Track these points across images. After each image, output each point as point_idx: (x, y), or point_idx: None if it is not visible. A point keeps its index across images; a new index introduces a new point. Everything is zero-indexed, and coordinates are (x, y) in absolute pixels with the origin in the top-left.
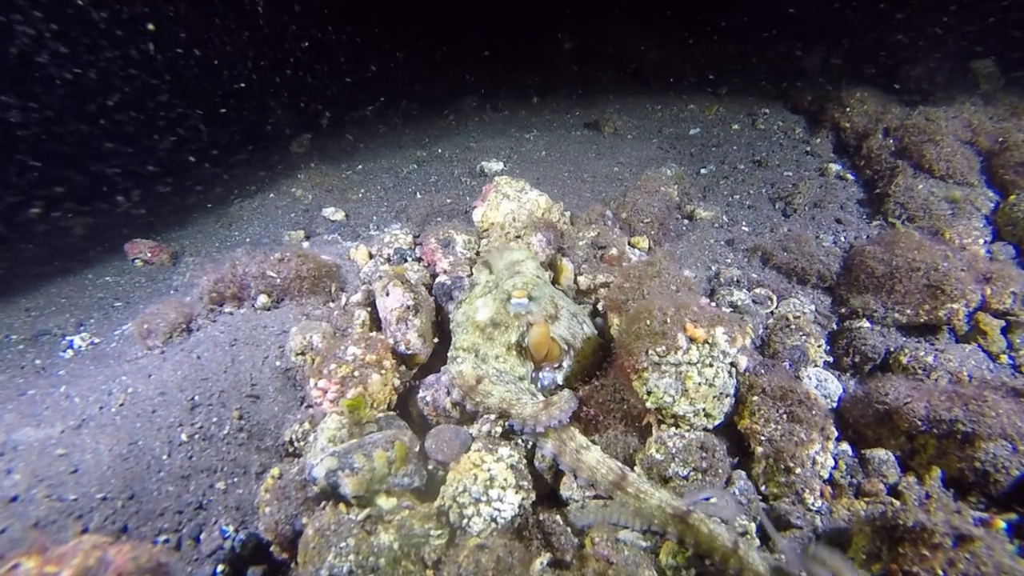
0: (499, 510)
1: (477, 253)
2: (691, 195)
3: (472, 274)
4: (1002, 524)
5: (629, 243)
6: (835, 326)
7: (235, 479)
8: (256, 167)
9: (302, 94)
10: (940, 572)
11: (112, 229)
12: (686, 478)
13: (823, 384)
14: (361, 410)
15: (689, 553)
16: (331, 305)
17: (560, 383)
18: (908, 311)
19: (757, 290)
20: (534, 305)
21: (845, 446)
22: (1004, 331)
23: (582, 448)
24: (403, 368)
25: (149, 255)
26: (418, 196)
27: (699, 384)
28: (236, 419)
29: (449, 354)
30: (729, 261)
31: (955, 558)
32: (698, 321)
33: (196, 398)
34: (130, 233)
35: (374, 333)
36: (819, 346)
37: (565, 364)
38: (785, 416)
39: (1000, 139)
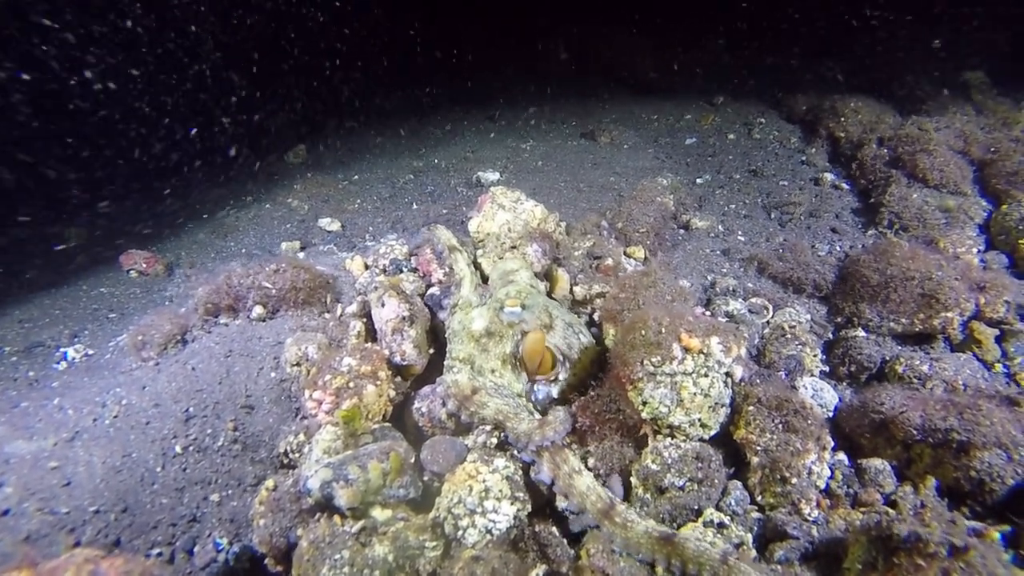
0: (494, 521)
1: (474, 262)
2: (687, 205)
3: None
4: (996, 535)
5: (625, 253)
6: (831, 335)
7: (229, 491)
8: (251, 177)
9: (298, 104)
10: None
11: (106, 240)
12: (682, 488)
13: (819, 394)
14: (356, 421)
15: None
16: (327, 316)
17: (555, 396)
18: (903, 320)
19: (753, 300)
20: (527, 314)
21: (841, 456)
22: (998, 340)
23: (574, 472)
24: (398, 379)
25: (144, 266)
26: (414, 206)
27: (694, 394)
28: (231, 431)
29: (445, 363)
30: (725, 271)
31: (950, 568)
32: (693, 331)
33: (191, 409)
34: (125, 244)
35: (369, 344)
36: (815, 355)
37: (561, 376)
38: (781, 426)
39: (992, 149)
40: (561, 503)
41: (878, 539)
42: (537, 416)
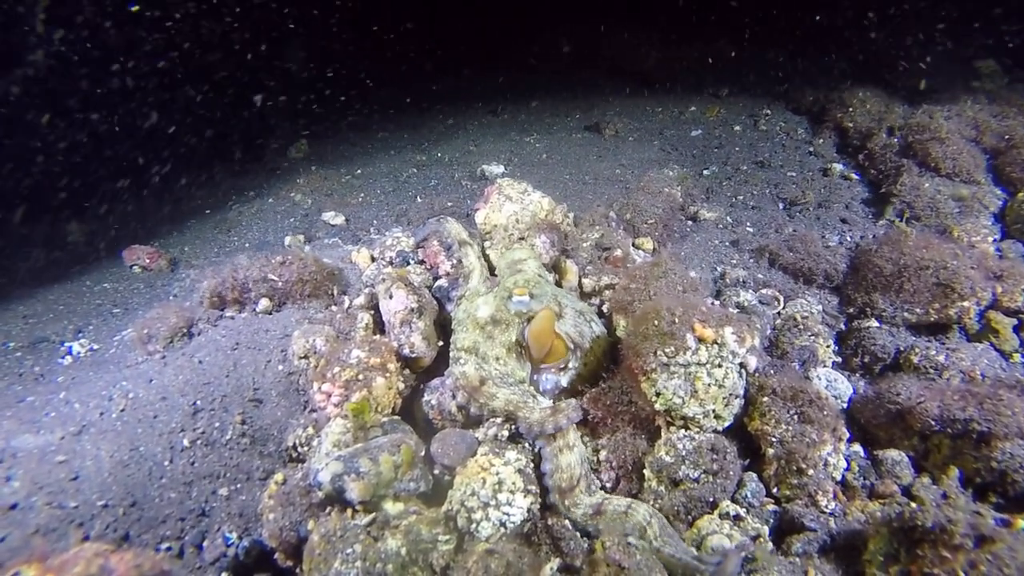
0: (508, 514)
1: (483, 254)
2: (694, 196)
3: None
4: (1022, 524)
5: (633, 244)
6: (843, 326)
7: (238, 485)
8: (254, 172)
9: (300, 98)
10: (961, 574)
11: (110, 235)
12: (697, 480)
13: (833, 384)
14: (366, 414)
15: None
16: (333, 308)
17: (565, 386)
18: (918, 310)
19: (763, 291)
20: (535, 303)
21: (857, 447)
22: (1016, 329)
23: (564, 447)
24: (407, 371)
25: (147, 261)
26: (418, 200)
27: (708, 385)
28: (239, 424)
29: (451, 355)
30: (734, 262)
31: (976, 559)
32: (706, 321)
33: (198, 403)
34: (128, 239)
35: (377, 336)
36: (828, 346)
37: (571, 365)
38: (796, 417)
39: (1006, 136)
40: (543, 465)
41: (900, 531)
42: (543, 402)
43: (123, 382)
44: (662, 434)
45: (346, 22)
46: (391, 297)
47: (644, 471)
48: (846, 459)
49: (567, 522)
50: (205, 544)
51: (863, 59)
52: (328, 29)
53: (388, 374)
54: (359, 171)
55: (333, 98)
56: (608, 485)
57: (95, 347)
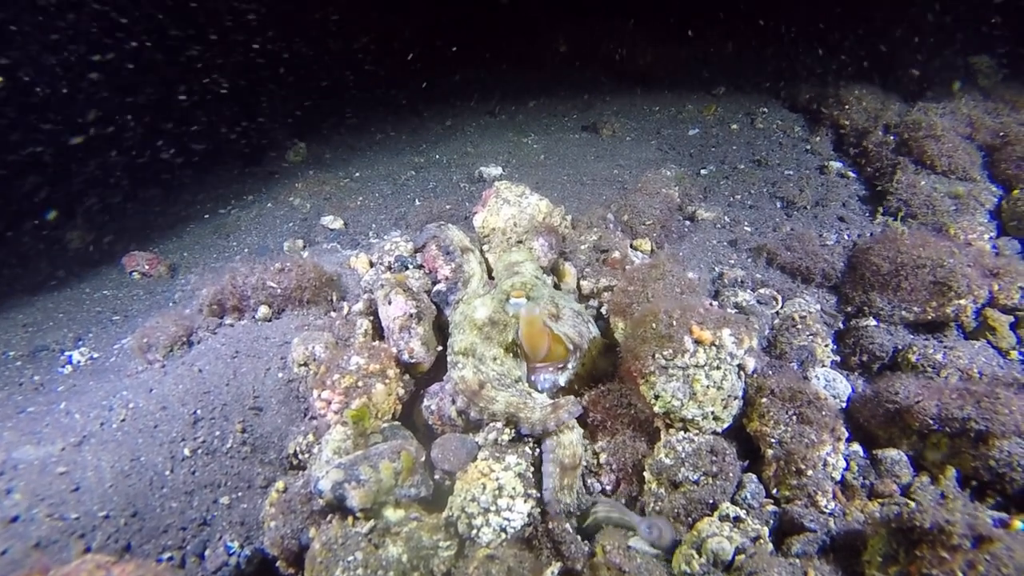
0: (508, 519)
1: (483, 258)
2: (692, 196)
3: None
4: (1020, 524)
5: (631, 246)
6: (841, 325)
7: (239, 494)
8: (252, 176)
9: (297, 101)
10: (960, 574)
11: (109, 242)
12: (697, 482)
13: (832, 384)
14: (366, 421)
15: (703, 559)
16: (332, 315)
17: (562, 385)
18: (915, 308)
19: (761, 290)
20: (533, 304)
21: (856, 447)
22: (1013, 327)
23: (566, 428)
24: (407, 377)
25: (147, 267)
26: (417, 203)
27: (707, 387)
28: (239, 432)
29: (448, 359)
30: (732, 262)
31: (975, 560)
32: (704, 323)
33: (198, 412)
34: (127, 246)
35: (377, 342)
36: (826, 346)
37: (570, 365)
38: (795, 417)
39: (1001, 133)
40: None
41: (899, 531)
42: (541, 399)
43: (123, 392)
44: (661, 436)
45: (343, 23)
46: (390, 303)
47: (644, 473)
48: (845, 459)
49: (568, 526)
50: (207, 553)
51: (859, 55)
52: (325, 30)
53: (388, 380)
54: (357, 174)
55: (331, 100)
56: (608, 488)
57: (95, 355)
